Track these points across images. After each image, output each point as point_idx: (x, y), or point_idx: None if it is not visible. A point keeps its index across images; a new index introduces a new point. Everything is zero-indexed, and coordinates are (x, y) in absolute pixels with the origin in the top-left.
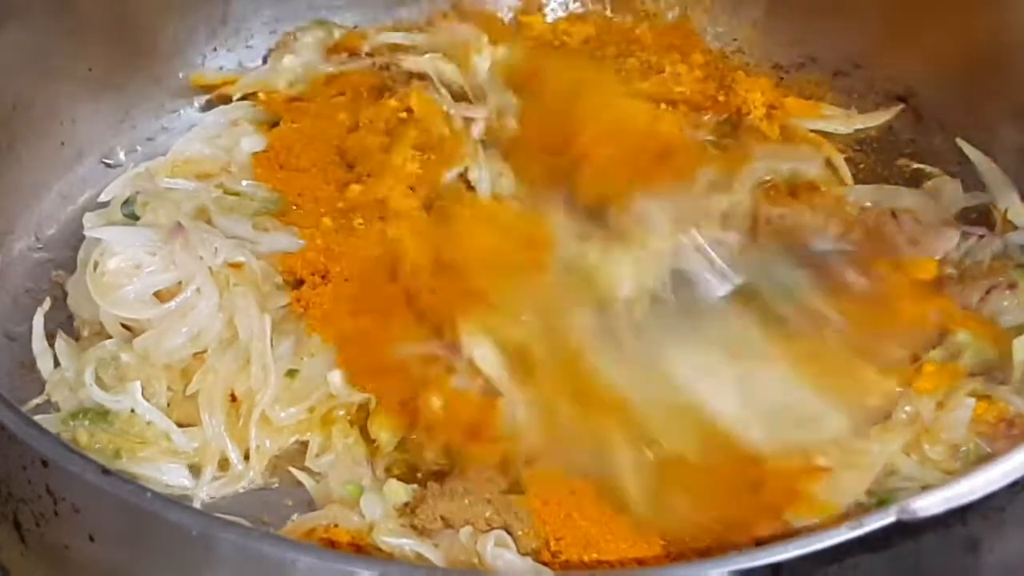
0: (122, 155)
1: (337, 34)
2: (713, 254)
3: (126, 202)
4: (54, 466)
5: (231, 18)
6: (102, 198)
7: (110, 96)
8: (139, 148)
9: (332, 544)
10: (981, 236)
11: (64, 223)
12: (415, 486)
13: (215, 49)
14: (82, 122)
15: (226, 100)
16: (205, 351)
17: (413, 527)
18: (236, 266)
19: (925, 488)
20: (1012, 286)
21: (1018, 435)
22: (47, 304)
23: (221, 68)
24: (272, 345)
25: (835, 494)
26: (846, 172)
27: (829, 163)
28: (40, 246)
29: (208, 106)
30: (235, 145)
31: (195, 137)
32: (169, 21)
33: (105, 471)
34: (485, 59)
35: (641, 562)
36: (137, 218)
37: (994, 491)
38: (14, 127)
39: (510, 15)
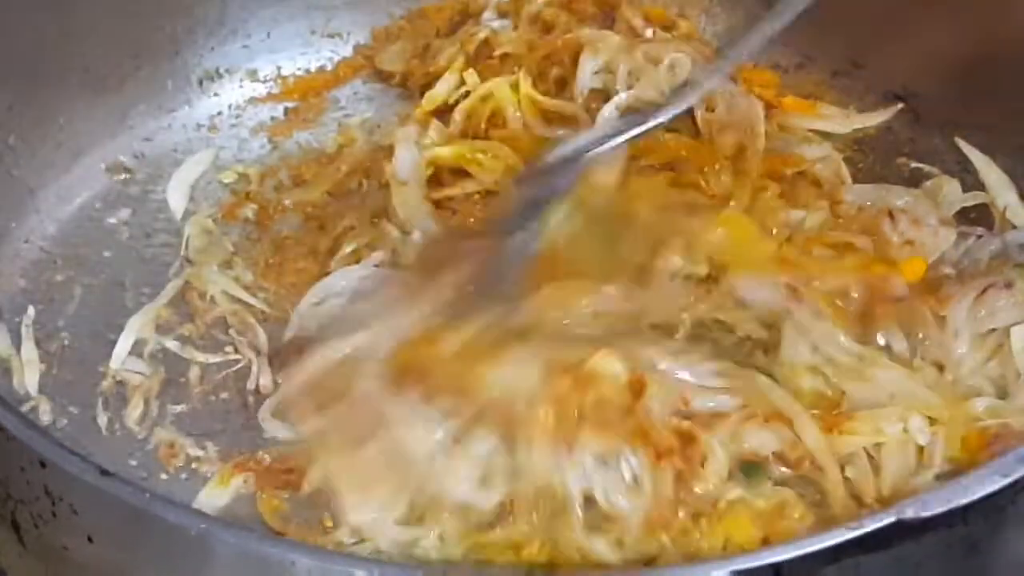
0: (120, 156)
1: None
2: None
3: None
4: (52, 467)
5: (228, 18)
6: None
7: (107, 97)
8: (137, 149)
9: None
10: (979, 236)
11: (61, 224)
12: None
13: (212, 49)
14: (79, 123)
15: None
16: None
17: None
18: None
19: None
20: (1009, 285)
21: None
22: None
23: (218, 68)
24: None
25: None
26: (844, 172)
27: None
28: (37, 247)
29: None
30: None
31: None
32: (167, 21)
33: (104, 472)
34: None
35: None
36: None
37: (995, 491)
38: (11, 127)
39: None
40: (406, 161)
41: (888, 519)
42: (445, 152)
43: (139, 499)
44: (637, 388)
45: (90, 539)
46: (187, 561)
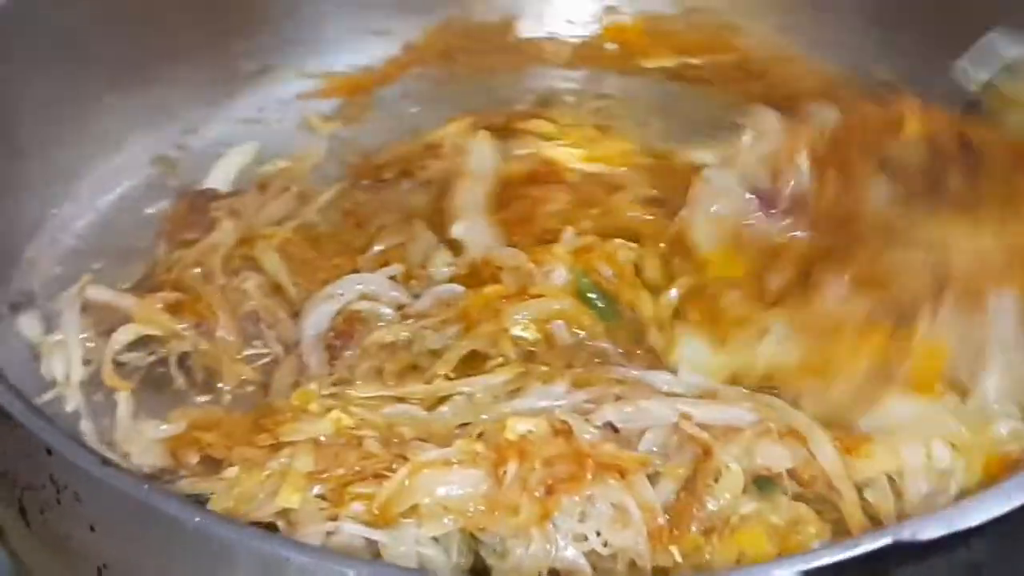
0: (164, 147)
1: None
2: None
3: None
4: (57, 455)
5: (278, 14)
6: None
7: (153, 87)
8: (181, 140)
9: None
10: None
11: (100, 212)
12: None
13: (261, 43)
14: (121, 112)
15: None
16: None
17: None
18: None
19: None
20: None
21: None
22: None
23: (266, 63)
24: None
25: None
26: None
27: None
28: (75, 234)
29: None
30: None
31: None
32: (215, 14)
33: (105, 462)
34: None
35: None
36: None
37: (998, 516)
38: (53, 114)
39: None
40: (483, 157)
41: (884, 540)
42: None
43: (137, 490)
44: (566, 430)
45: (92, 528)
46: (184, 553)
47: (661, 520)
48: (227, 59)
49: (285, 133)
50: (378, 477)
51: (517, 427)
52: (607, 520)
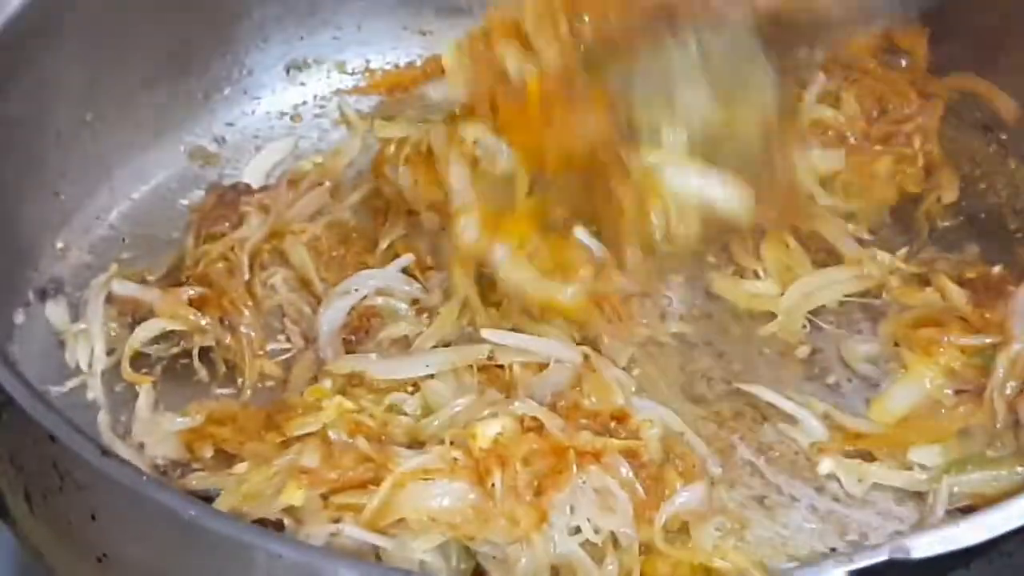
0: (201, 140)
1: None
2: None
3: None
4: (60, 443)
5: (319, 9)
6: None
7: (191, 79)
8: (218, 133)
9: None
10: None
11: (134, 203)
12: None
13: (302, 38)
14: (160, 104)
15: None
16: None
17: None
18: None
19: None
20: None
21: None
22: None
23: (307, 58)
24: None
25: None
26: None
27: None
28: (107, 224)
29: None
30: None
31: None
32: (256, 8)
33: (104, 452)
34: None
35: None
36: None
37: (1002, 535)
38: (89, 104)
39: None
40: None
41: (879, 557)
42: None
43: (135, 481)
44: (537, 426)
45: (93, 517)
46: (180, 546)
47: (640, 493)
48: (266, 53)
49: (323, 129)
50: (364, 487)
51: (486, 432)
52: (595, 506)
